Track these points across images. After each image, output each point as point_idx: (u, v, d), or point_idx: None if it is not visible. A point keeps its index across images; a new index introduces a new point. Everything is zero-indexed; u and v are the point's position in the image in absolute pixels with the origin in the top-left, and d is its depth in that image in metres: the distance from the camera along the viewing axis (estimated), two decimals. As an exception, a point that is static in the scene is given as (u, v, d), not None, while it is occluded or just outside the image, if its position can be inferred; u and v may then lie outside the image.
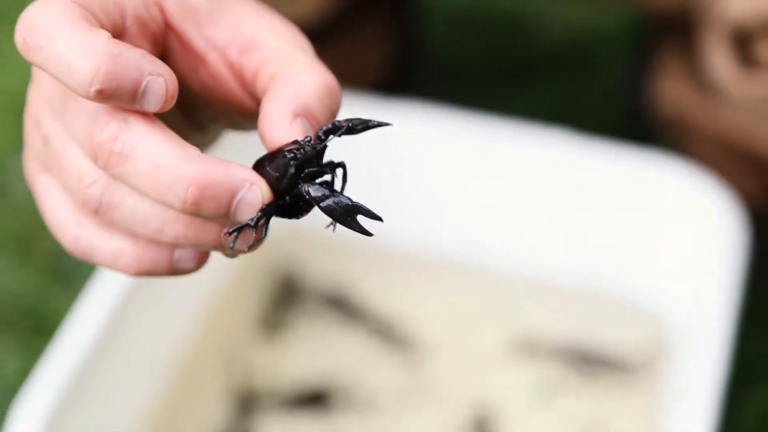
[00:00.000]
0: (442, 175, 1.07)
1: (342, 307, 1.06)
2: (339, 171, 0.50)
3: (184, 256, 0.52)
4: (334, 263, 1.08)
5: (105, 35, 0.47)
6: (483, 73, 1.37)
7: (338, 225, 0.48)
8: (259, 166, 0.49)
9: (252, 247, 0.49)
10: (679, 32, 1.11)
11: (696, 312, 0.97)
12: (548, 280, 1.06)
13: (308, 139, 0.48)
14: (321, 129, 0.49)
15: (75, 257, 0.54)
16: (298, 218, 0.50)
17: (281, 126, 0.49)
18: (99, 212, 0.50)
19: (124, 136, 0.48)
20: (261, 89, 0.52)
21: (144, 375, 0.96)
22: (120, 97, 0.47)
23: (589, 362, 1.01)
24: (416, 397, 1.00)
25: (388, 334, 1.04)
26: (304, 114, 0.50)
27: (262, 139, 0.50)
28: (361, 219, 0.48)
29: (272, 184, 0.48)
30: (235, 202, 0.47)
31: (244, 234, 0.49)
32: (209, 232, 0.49)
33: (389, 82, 1.22)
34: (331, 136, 0.49)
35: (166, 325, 0.99)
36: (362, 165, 1.00)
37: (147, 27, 0.52)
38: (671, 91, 1.14)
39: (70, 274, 1.14)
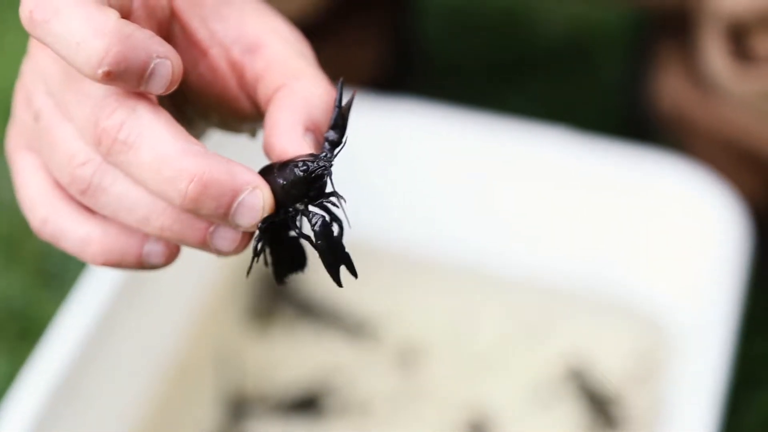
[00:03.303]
0: (437, 173, 1.07)
1: (326, 310, 1.05)
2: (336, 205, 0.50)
3: (154, 250, 0.51)
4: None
5: (114, 14, 0.47)
6: (479, 69, 1.38)
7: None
8: (265, 173, 0.49)
9: (237, 250, 0.49)
10: (677, 29, 1.11)
11: (699, 313, 0.97)
12: (547, 282, 1.06)
13: (324, 154, 0.49)
14: (325, 143, 0.50)
15: (49, 247, 0.53)
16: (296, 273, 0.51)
17: (292, 137, 0.50)
18: (86, 193, 0.50)
19: (130, 124, 0.47)
20: (263, 95, 0.52)
21: (133, 379, 0.96)
22: (126, 79, 0.47)
23: (586, 383, 1.01)
24: (411, 401, 0.99)
25: (379, 336, 1.04)
26: (313, 128, 0.50)
27: (269, 148, 0.50)
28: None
29: (276, 192, 0.48)
30: (235, 204, 0.47)
31: (228, 236, 0.49)
32: (195, 228, 0.49)
33: (385, 79, 1.23)
34: (336, 149, 0.50)
35: (155, 328, 0.99)
36: (355, 162, 1.00)
37: (153, 12, 0.51)
38: (670, 88, 1.15)
39: (57, 277, 1.14)
